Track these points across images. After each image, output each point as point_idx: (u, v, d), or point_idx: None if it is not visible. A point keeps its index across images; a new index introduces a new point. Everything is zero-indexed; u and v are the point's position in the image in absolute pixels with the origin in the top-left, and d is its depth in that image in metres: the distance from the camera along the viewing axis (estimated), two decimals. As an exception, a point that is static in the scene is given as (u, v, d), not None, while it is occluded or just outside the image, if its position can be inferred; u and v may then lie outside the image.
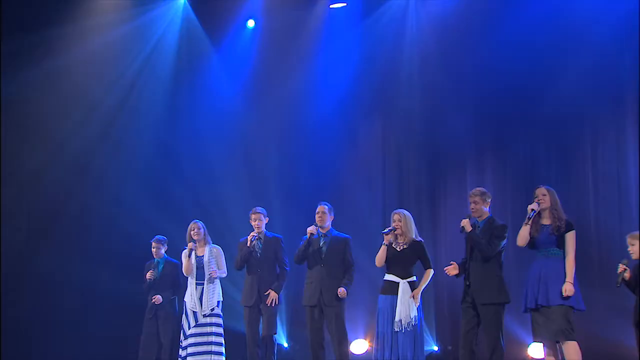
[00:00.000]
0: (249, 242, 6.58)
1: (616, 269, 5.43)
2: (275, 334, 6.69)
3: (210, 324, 6.52)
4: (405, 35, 8.76)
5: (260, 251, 6.62)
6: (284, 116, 9.02)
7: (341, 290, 6.18)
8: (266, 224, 6.73)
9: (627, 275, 5.32)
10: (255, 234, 6.60)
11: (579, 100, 7.56)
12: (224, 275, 6.75)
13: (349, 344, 7.22)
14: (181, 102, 9.19)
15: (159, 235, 7.43)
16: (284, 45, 9.08)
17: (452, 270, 5.69)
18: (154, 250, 7.35)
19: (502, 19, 7.95)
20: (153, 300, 7.19)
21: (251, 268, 6.65)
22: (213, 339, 6.47)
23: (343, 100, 8.79)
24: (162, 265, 7.33)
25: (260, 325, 6.61)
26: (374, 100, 8.82)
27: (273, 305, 6.55)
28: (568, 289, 5.15)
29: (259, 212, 6.68)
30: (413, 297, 5.80)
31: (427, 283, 5.98)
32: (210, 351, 6.44)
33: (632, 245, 5.37)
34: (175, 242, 7.34)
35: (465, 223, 5.62)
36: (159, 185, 8.82)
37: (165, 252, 7.39)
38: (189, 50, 9.34)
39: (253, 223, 6.66)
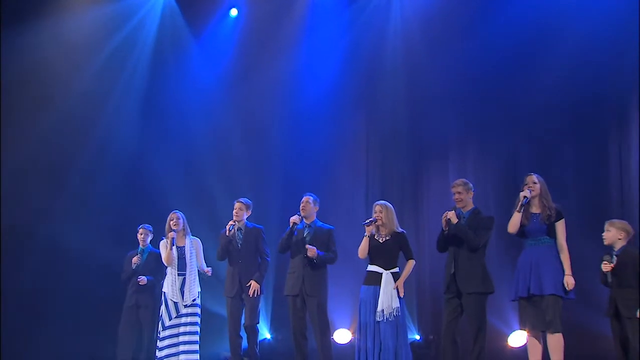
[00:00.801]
0: (227, 232, 6.58)
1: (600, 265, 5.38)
2: (258, 323, 6.70)
3: (192, 314, 6.48)
4: (390, 24, 8.76)
5: (240, 242, 6.61)
6: (267, 106, 8.98)
7: (311, 249, 6.19)
8: (248, 215, 6.73)
9: (609, 267, 5.26)
10: (233, 223, 6.59)
11: (563, 93, 7.59)
12: (209, 270, 6.70)
13: (331, 333, 7.25)
14: (163, 90, 9.07)
15: (146, 224, 7.37)
16: (268, 35, 9.02)
17: (453, 217, 5.64)
18: (140, 237, 7.29)
19: (487, 10, 7.97)
20: (139, 281, 7.11)
21: (232, 259, 6.66)
22: (188, 329, 6.44)
23: (327, 90, 8.76)
24: (146, 255, 7.28)
25: (243, 315, 6.62)
26: (359, 91, 8.81)
27: (255, 295, 6.55)
28: (570, 282, 5.19)
29: (240, 202, 6.69)
30: (397, 288, 5.81)
31: (409, 274, 6.00)
32: (185, 341, 6.41)
33: (608, 231, 5.35)
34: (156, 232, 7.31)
35: (451, 215, 5.64)
36: (139, 176, 8.71)
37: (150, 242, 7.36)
38: (169, 40, 9.22)
39: (233, 212, 6.65)
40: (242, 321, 6.67)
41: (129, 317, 7.20)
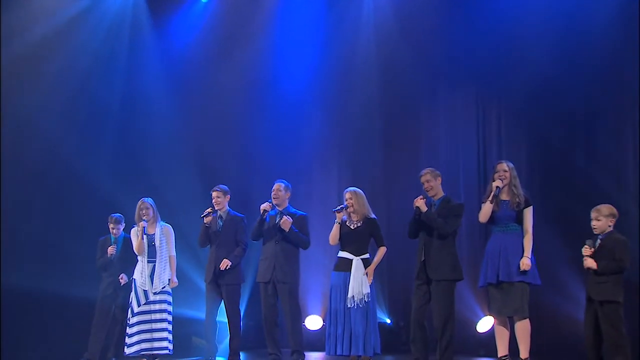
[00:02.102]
0: (205, 219, 6.56)
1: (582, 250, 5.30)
2: (241, 319, 6.65)
3: (160, 302, 6.45)
4: (363, 11, 8.76)
5: (220, 229, 6.59)
6: (239, 93, 8.93)
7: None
8: (228, 201, 6.69)
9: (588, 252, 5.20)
10: (210, 211, 6.57)
11: (540, 80, 7.63)
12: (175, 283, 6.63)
13: (302, 320, 7.29)
14: (135, 77, 8.88)
15: (116, 214, 7.24)
16: (241, 19, 8.96)
17: (422, 206, 5.68)
18: (110, 226, 7.18)
19: (464, 6, 8.04)
20: (120, 278, 7.04)
21: (212, 246, 6.62)
22: (159, 316, 6.41)
23: (299, 78, 8.75)
24: (120, 244, 7.17)
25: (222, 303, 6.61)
26: (332, 77, 8.80)
27: (225, 269, 6.46)
28: (525, 263, 5.26)
29: (217, 190, 6.66)
30: (367, 274, 5.86)
31: (380, 260, 6.05)
32: (157, 329, 6.39)
33: (598, 220, 5.20)
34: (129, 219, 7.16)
35: (420, 203, 5.69)
36: (113, 161, 8.60)
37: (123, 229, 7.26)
38: (136, 24, 9.04)
39: (213, 201, 6.64)
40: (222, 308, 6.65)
41: (103, 308, 7.05)
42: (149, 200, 6.65)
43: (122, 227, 7.25)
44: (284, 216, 6.25)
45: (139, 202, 6.61)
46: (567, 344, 6.70)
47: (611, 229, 5.20)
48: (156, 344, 6.36)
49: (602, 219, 5.20)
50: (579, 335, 5.53)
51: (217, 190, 6.66)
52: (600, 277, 5.08)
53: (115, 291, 7.07)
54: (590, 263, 5.11)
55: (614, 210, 5.23)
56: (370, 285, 5.85)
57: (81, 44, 8.46)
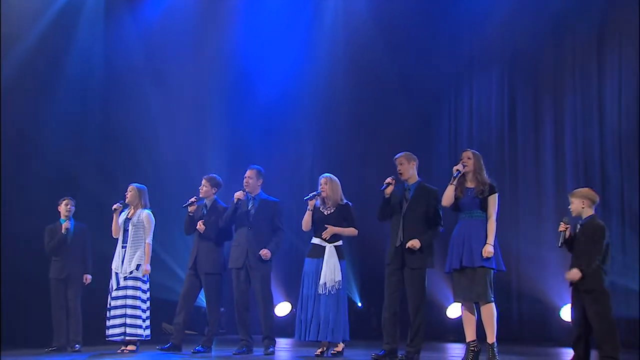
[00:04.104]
0: (189, 208, 6.55)
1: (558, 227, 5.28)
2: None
3: (133, 288, 6.43)
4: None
5: (204, 218, 6.55)
6: (213, 77, 8.89)
7: (264, 252, 6.20)
8: (216, 191, 6.63)
9: (567, 233, 5.19)
10: (194, 200, 6.56)
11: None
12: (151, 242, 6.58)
13: (274, 306, 7.30)
14: (116, 62, 8.80)
15: (71, 197, 7.09)
16: (214, 10, 8.93)
17: (390, 187, 5.71)
18: (67, 207, 6.99)
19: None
20: (85, 281, 6.96)
21: (197, 233, 6.57)
22: (131, 302, 6.40)
23: (272, 64, 8.74)
24: (72, 226, 7.00)
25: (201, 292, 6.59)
26: (304, 65, 8.81)
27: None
28: (487, 250, 5.28)
29: (205, 179, 6.62)
30: (327, 230, 5.88)
31: (346, 233, 6.03)
32: (128, 314, 6.37)
33: (572, 202, 5.20)
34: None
35: (389, 191, 5.70)
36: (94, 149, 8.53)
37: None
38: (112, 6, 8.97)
39: (200, 189, 6.60)
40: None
41: (59, 295, 6.90)
42: (137, 185, 6.63)
43: (74, 207, 7.03)
44: (263, 250, 6.18)
45: (129, 186, 6.63)
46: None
47: (592, 212, 5.16)
48: (129, 330, 6.35)
49: (574, 200, 5.20)
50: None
51: (204, 178, 6.63)
52: (583, 264, 5.07)
53: (69, 276, 6.94)
54: (573, 275, 5.04)
55: (592, 194, 5.21)
56: (342, 272, 5.88)
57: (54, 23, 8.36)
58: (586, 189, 5.34)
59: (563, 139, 8.05)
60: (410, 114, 8.49)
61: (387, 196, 5.72)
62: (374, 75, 8.53)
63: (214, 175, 6.69)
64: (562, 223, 5.20)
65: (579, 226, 5.18)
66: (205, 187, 6.59)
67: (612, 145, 7.79)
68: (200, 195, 6.60)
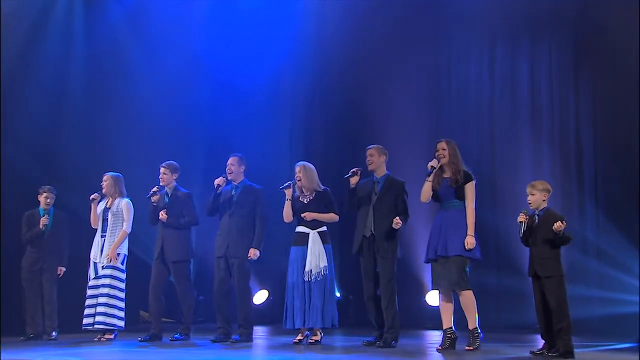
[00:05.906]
0: (152, 198, 6.49)
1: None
2: (186, 281, 6.58)
3: (110, 277, 6.40)
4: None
5: (167, 206, 6.51)
6: (191, 69, 8.83)
7: (252, 252, 6.15)
8: (175, 178, 6.58)
9: (522, 218, 5.25)
10: (156, 189, 6.51)
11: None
12: (128, 230, 6.56)
13: (252, 295, 7.29)
14: (97, 41, 8.68)
15: (50, 186, 6.98)
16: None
17: (355, 178, 5.76)
18: (46, 200, 6.90)
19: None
20: (59, 273, 6.89)
21: (161, 222, 6.51)
22: (107, 290, 6.36)
23: (250, 55, 8.71)
24: (52, 217, 6.93)
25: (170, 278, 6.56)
26: (284, 56, 8.78)
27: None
28: (470, 242, 5.32)
29: (163, 167, 6.56)
30: (304, 216, 5.87)
31: (326, 219, 5.98)
32: (102, 303, 6.34)
33: (532, 195, 5.29)
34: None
35: (354, 181, 5.75)
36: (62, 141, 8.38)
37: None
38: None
39: (159, 177, 6.55)
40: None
41: (32, 285, 6.82)
42: (112, 173, 6.57)
43: (54, 198, 6.96)
44: (254, 251, 6.15)
45: (104, 176, 6.57)
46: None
47: (546, 204, 5.29)
48: (103, 319, 6.32)
49: (536, 193, 5.29)
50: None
51: (163, 166, 6.56)
52: (542, 254, 5.19)
53: (42, 268, 6.85)
54: (559, 226, 5.11)
55: (548, 186, 5.34)
56: (328, 259, 5.88)
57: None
58: (543, 181, 5.42)
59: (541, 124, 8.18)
60: (387, 105, 8.52)
61: (352, 186, 5.78)
62: (351, 67, 8.56)
63: (172, 161, 6.61)
64: (521, 214, 5.27)
65: (536, 217, 5.27)
66: (166, 174, 6.53)
67: (587, 132, 7.95)
68: (161, 184, 6.54)
